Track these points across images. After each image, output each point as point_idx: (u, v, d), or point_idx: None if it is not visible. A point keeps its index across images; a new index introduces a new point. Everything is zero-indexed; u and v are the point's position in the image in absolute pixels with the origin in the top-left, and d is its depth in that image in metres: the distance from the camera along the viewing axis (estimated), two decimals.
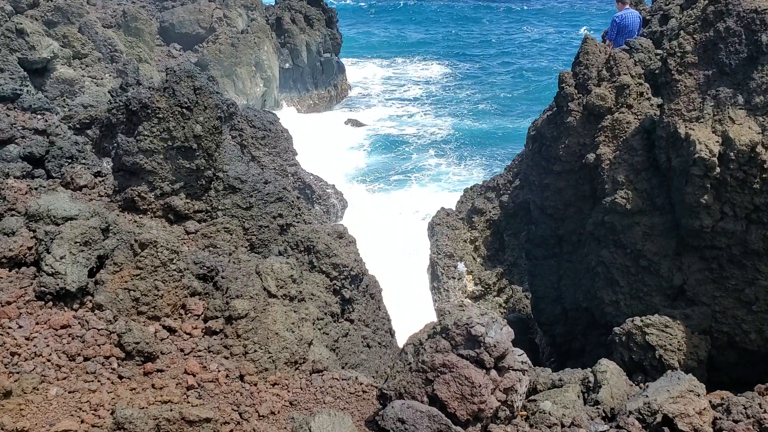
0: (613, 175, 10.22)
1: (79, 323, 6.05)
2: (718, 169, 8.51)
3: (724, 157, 8.48)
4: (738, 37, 8.60)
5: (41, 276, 6.22)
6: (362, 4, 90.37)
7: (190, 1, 37.68)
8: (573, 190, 11.74)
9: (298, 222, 9.59)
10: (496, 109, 46.07)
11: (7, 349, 5.42)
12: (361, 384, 6.52)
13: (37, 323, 5.90)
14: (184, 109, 8.34)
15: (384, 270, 14.22)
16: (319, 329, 7.97)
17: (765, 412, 6.15)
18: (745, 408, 6.25)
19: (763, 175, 8.36)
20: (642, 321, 8.88)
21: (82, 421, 5.09)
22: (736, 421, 6.08)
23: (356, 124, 40.96)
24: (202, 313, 6.87)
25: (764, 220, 8.58)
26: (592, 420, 6.35)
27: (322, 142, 35.19)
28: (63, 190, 8.58)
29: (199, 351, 6.39)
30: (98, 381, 5.59)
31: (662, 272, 9.64)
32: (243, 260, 8.17)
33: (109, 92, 10.78)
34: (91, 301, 6.35)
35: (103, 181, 9.05)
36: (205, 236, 8.62)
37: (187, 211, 8.68)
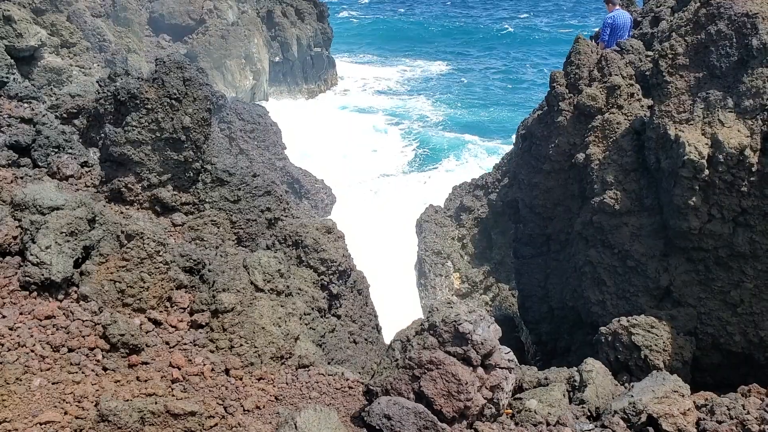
0: (602, 175, 10.25)
1: (63, 314, 5.99)
2: (706, 172, 8.55)
3: (713, 160, 8.52)
4: (729, 40, 8.63)
5: (26, 266, 6.14)
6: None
7: None
8: (562, 190, 11.77)
9: (286, 216, 9.55)
10: (486, 105, 46.14)
11: None
12: (348, 380, 6.50)
13: (21, 313, 5.82)
14: (173, 101, 8.27)
15: (372, 266, 14.21)
16: (306, 324, 7.94)
17: (748, 413, 6.20)
18: (729, 409, 6.30)
19: (751, 179, 8.42)
20: (628, 321, 8.92)
21: (66, 413, 5.04)
22: (719, 422, 6.13)
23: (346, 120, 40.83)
24: (188, 306, 6.82)
25: (751, 223, 8.63)
26: (578, 419, 6.38)
27: (311, 137, 35.10)
28: (49, 179, 8.48)
29: (185, 344, 6.34)
30: (82, 372, 5.53)
31: (649, 273, 9.68)
32: (230, 254, 8.11)
33: (97, 82, 10.67)
34: (76, 292, 6.28)
35: (89, 171, 8.95)
36: (192, 229, 8.56)
37: (174, 203, 8.62)
